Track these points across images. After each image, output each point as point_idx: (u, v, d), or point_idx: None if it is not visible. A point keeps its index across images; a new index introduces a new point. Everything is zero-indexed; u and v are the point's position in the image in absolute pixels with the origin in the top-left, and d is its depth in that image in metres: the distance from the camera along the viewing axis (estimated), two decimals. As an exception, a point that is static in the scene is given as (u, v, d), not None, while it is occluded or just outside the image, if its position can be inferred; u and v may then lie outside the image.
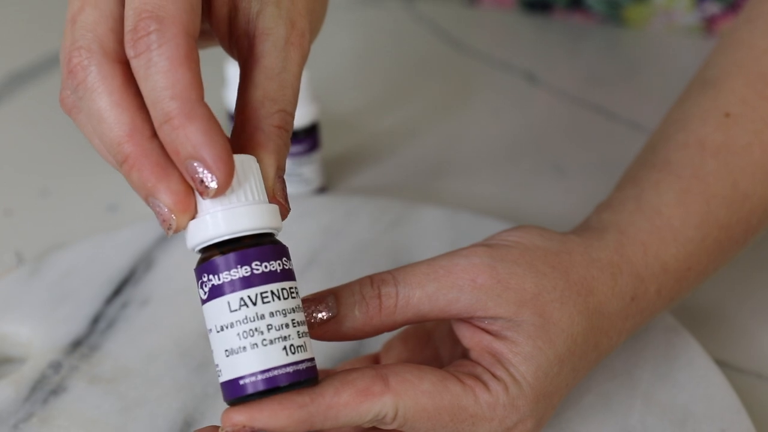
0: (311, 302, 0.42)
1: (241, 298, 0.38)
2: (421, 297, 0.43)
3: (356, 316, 0.42)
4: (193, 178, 0.36)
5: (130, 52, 0.37)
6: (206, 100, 0.37)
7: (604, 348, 0.46)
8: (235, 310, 0.38)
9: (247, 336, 0.37)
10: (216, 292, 0.38)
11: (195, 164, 0.36)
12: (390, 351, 0.49)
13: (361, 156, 0.72)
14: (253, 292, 0.38)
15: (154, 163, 0.37)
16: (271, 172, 0.39)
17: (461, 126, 0.75)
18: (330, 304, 0.42)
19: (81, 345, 0.54)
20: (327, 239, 0.61)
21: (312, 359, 0.39)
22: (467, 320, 0.44)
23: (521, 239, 0.45)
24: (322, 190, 0.68)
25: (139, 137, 0.37)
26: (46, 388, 0.52)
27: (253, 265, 0.38)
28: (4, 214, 0.67)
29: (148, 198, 0.37)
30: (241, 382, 0.38)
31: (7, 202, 0.68)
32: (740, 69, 0.51)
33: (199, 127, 0.36)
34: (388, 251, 0.60)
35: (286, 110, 0.40)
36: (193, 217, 0.38)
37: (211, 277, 0.38)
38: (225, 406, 0.39)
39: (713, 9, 0.81)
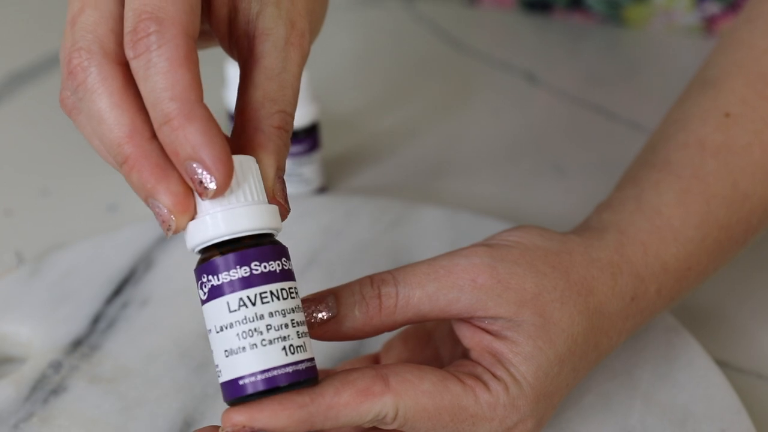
0: (311, 302, 0.42)
1: (241, 299, 0.38)
2: (422, 297, 0.43)
3: (356, 316, 0.42)
4: (192, 179, 0.36)
5: (129, 53, 0.37)
6: (206, 100, 0.37)
7: (604, 348, 0.46)
8: (235, 311, 0.38)
9: (246, 336, 0.37)
10: (215, 293, 0.38)
11: (194, 165, 0.36)
12: (390, 351, 0.49)
13: (361, 156, 0.72)
14: (252, 292, 0.38)
15: (153, 164, 0.37)
16: (271, 172, 0.39)
17: (461, 126, 0.75)
18: (330, 304, 0.42)
19: (81, 345, 0.54)
20: (327, 239, 0.61)
21: (312, 359, 0.39)
22: (467, 320, 0.44)
23: (521, 239, 0.45)
24: (322, 190, 0.68)
25: (139, 138, 0.37)
26: (47, 387, 0.52)
27: (253, 265, 0.38)
28: (4, 214, 0.67)
29: (148, 199, 0.37)
30: (241, 382, 0.38)
31: (7, 202, 0.68)
32: (740, 69, 0.51)
33: (199, 128, 0.36)
34: (388, 251, 0.60)
35: (286, 111, 0.40)
36: (193, 218, 0.38)
37: (210, 277, 0.38)
38: (225, 406, 0.39)
39: (713, 9, 0.81)
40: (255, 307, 0.38)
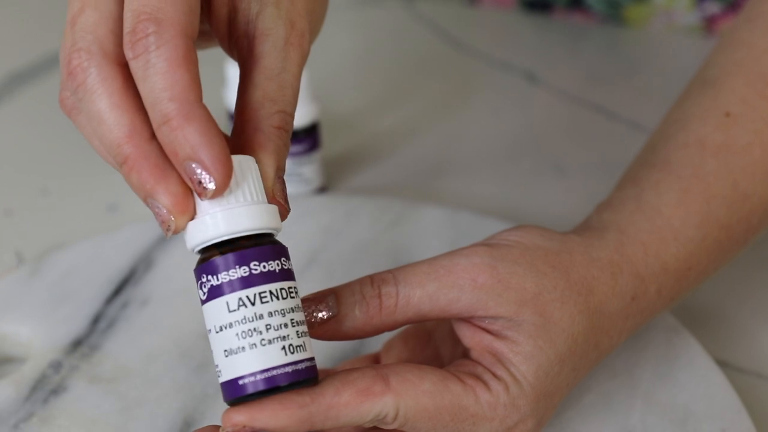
0: (311, 302, 0.42)
1: (240, 299, 0.38)
2: (422, 296, 0.43)
3: (356, 315, 0.42)
4: (191, 179, 0.36)
5: (128, 54, 0.37)
6: (206, 100, 0.37)
7: (604, 347, 0.46)
8: (234, 311, 0.38)
9: (245, 336, 0.37)
10: (215, 293, 0.38)
11: (193, 165, 0.36)
12: (390, 351, 0.49)
13: (361, 156, 0.72)
14: (251, 292, 0.38)
15: (153, 165, 0.37)
16: (271, 172, 0.39)
17: (461, 126, 0.75)
18: (330, 303, 0.42)
19: (81, 345, 0.54)
20: (327, 239, 0.61)
21: (312, 359, 0.39)
22: (468, 320, 0.44)
23: (522, 239, 0.45)
24: (322, 190, 0.68)
25: (139, 139, 0.37)
26: (47, 387, 0.52)
27: (252, 265, 0.38)
28: (4, 214, 0.67)
29: (147, 199, 0.37)
30: (241, 382, 0.38)
31: (7, 202, 0.68)
32: (740, 69, 0.51)
33: (197, 128, 0.36)
34: (388, 251, 0.60)
35: (286, 111, 0.40)
36: (192, 218, 0.38)
37: (210, 277, 0.38)
38: (225, 406, 0.39)
39: (713, 9, 0.81)
40: (254, 307, 0.38)
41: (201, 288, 0.38)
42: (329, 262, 0.59)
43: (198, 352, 0.53)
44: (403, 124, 0.75)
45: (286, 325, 0.38)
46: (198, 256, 0.39)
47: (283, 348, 0.38)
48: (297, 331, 0.38)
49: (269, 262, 0.38)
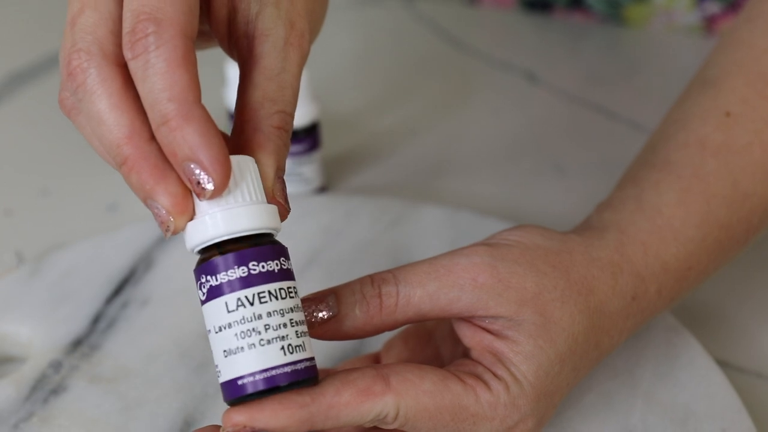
0: (312, 302, 0.42)
1: (239, 299, 0.38)
2: (422, 296, 0.43)
3: (357, 315, 0.42)
4: (189, 180, 0.36)
5: (127, 54, 0.37)
6: (206, 100, 0.37)
7: (604, 347, 0.46)
8: (233, 311, 0.38)
9: (244, 336, 0.37)
10: (214, 293, 0.38)
11: (192, 166, 0.36)
12: (390, 350, 0.49)
13: (361, 156, 0.72)
14: (250, 292, 0.38)
15: (152, 166, 0.37)
16: (271, 172, 0.39)
17: (461, 125, 0.75)
18: (330, 303, 0.42)
19: (81, 345, 0.54)
20: (327, 239, 0.61)
21: (311, 359, 0.39)
22: (468, 319, 0.44)
23: (522, 238, 0.45)
24: (322, 189, 0.68)
25: (138, 139, 0.37)
26: (47, 387, 0.52)
27: (250, 265, 0.38)
28: (4, 214, 0.67)
29: (147, 200, 0.37)
30: (240, 382, 0.38)
31: (7, 202, 0.68)
32: (740, 68, 0.51)
33: (196, 128, 0.36)
34: (388, 251, 0.60)
35: (286, 111, 0.40)
36: (191, 219, 0.38)
37: (209, 278, 0.38)
38: (225, 406, 0.39)
39: (713, 8, 0.81)
40: (253, 307, 0.38)
41: (200, 288, 0.38)
42: (329, 262, 0.59)
43: (198, 352, 0.53)
44: (403, 124, 0.75)
45: (285, 325, 0.38)
46: (198, 257, 0.39)
47: (282, 348, 0.38)
48: (296, 331, 0.38)
49: (268, 262, 0.38)
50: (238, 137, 0.39)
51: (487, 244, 0.45)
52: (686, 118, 0.51)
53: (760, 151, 0.49)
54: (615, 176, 0.53)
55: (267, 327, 0.38)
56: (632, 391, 0.50)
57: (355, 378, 0.40)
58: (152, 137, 0.37)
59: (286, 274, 0.39)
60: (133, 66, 0.37)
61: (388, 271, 0.43)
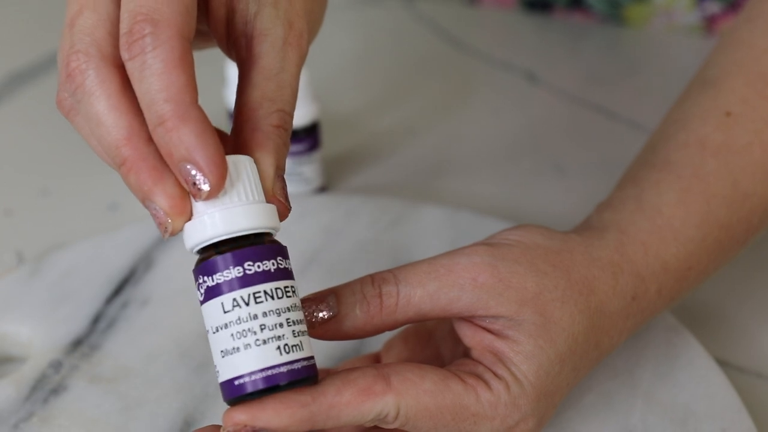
0: (312, 302, 0.42)
1: (234, 299, 0.38)
2: (423, 296, 0.43)
3: (357, 315, 0.42)
4: (186, 180, 0.37)
5: (125, 55, 0.37)
6: (206, 100, 0.37)
7: (605, 347, 0.46)
8: (229, 311, 0.38)
9: (240, 336, 0.37)
10: (211, 294, 0.38)
11: (188, 166, 0.36)
12: (391, 350, 0.49)
13: (361, 156, 0.72)
14: (245, 292, 0.38)
15: (150, 167, 0.37)
16: (271, 171, 0.39)
17: (461, 125, 0.75)
18: (331, 303, 0.42)
19: (81, 344, 0.54)
20: (327, 239, 0.61)
21: (310, 358, 0.39)
22: (468, 319, 0.44)
23: (522, 238, 0.45)
24: (322, 189, 0.68)
25: (137, 140, 0.37)
26: (47, 387, 0.52)
27: (246, 265, 0.38)
28: (4, 214, 0.67)
29: (145, 201, 0.38)
30: (236, 382, 0.38)
31: (7, 202, 0.68)
32: (740, 68, 0.51)
33: (193, 129, 0.36)
34: (388, 251, 0.60)
35: (285, 110, 0.40)
36: (189, 220, 0.38)
37: (206, 278, 0.38)
38: (225, 406, 0.39)
39: (713, 8, 0.81)
40: (249, 307, 0.38)
41: (199, 288, 0.39)
42: (329, 262, 0.59)
43: (198, 352, 0.53)
44: (403, 124, 0.75)
45: (281, 325, 0.38)
46: (197, 257, 0.39)
47: (279, 348, 0.38)
48: (293, 331, 0.38)
49: (264, 262, 0.38)
50: (238, 137, 0.39)
51: (487, 243, 0.45)
52: (686, 118, 0.51)
53: (760, 151, 0.49)
54: (615, 176, 0.53)
55: (263, 327, 0.38)
56: (632, 391, 0.50)
57: (356, 377, 0.40)
58: (150, 138, 0.37)
59: (284, 274, 0.39)
60: (130, 67, 0.37)
61: (389, 271, 0.43)
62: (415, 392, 0.40)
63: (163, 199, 0.37)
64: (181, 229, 0.38)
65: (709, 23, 0.82)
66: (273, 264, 0.38)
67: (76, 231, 0.65)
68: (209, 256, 0.38)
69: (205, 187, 0.36)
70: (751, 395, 0.52)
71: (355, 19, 0.88)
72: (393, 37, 0.86)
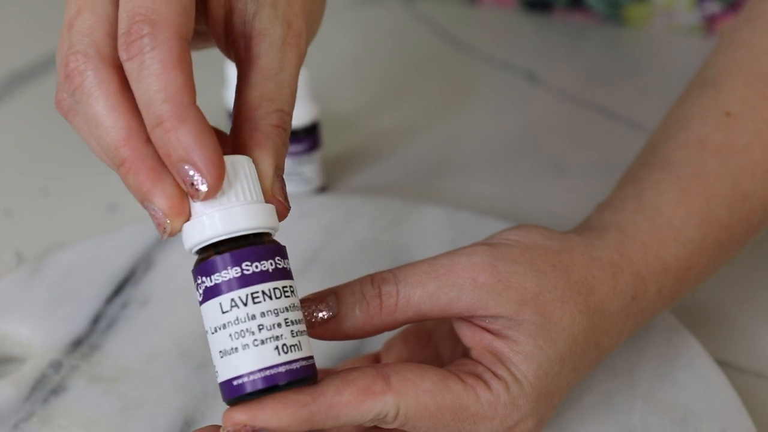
0: (312, 302, 0.42)
1: (232, 299, 0.38)
2: (422, 296, 0.43)
3: (357, 315, 0.42)
4: (184, 181, 0.37)
5: (123, 55, 0.37)
6: (206, 100, 0.37)
7: (604, 347, 0.46)
8: (227, 312, 0.38)
9: (238, 337, 0.38)
10: (209, 294, 0.38)
11: (186, 167, 0.36)
12: (390, 350, 0.49)
13: (361, 156, 0.72)
14: (243, 292, 0.38)
15: (149, 167, 0.37)
16: (270, 171, 0.39)
17: (461, 125, 0.75)
18: (330, 303, 0.42)
19: (81, 345, 0.54)
20: (327, 239, 0.61)
21: (309, 358, 0.39)
22: (468, 319, 0.44)
23: (522, 238, 0.45)
24: (322, 189, 0.68)
25: (135, 141, 0.37)
26: (47, 387, 0.52)
27: (244, 265, 0.38)
28: (4, 214, 0.67)
29: (144, 201, 0.38)
30: (236, 382, 0.38)
31: (7, 202, 0.68)
32: (740, 68, 0.51)
33: (191, 130, 0.36)
34: (388, 251, 0.60)
35: (284, 110, 0.40)
36: (188, 221, 0.38)
37: (204, 278, 0.38)
38: (225, 406, 0.39)
39: (713, 8, 0.81)
40: (247, 308, 0.38)
41: (198, 289, 0.39)
42: (329, 262, 0.59)
43: (198, 352, 0.53)
44: (403, 124, 0.75)
45: (279, 325, 0.38)
46: (196, 257, 0.39)
47: (277, 348, 0.38)
48: (291, 331, 0.38)
49: (262, 262, 0.38)
50: (237, 137, 0.39)
51: (487, 243, 0.45)
52: (686, 118, 0.51)
53: (760, 151, 0.49)
54: (615, 176, 0.53)
55: (261, 327, 0.38)
56: (632, 392, 0.50)
57: (356, 377, 0.40)
58: (149, 139, 0.37)
59: (282, 274, 0.39)
60: (128, 67, 0.37)
61: (388, 271, 0.43)
62: (414, 392, 0.40)
63: (162, 199, 0.37)
64: (180, 230, 0.38)
65: (709, 23, 0.82)
66: (271, 264, 0.38)
67: (76, 231, 0.65)
68: (208, 256, 0.38)
69: (203, 188, 0.36)
70: (751, 395, 0.52)
71: (355, 19, 0.88)
72: (393, 37, 0.86)
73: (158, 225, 0.38)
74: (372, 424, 0.41)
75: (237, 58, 0.41)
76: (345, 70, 0.81)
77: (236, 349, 0.38)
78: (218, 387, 0.39)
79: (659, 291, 0.47)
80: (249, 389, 0.37)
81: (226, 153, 0.38)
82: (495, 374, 0.42)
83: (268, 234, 0.39)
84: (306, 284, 0.46)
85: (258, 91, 0.39)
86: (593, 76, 0.80)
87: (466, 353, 0.45)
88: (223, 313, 0.38)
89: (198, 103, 0.37)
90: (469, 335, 0.44)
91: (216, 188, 0.37)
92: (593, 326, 0.45)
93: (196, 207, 0.38)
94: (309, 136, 0.65)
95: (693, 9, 0.81)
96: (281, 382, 0.38)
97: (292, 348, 0.38)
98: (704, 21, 0.82)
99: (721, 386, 0.50)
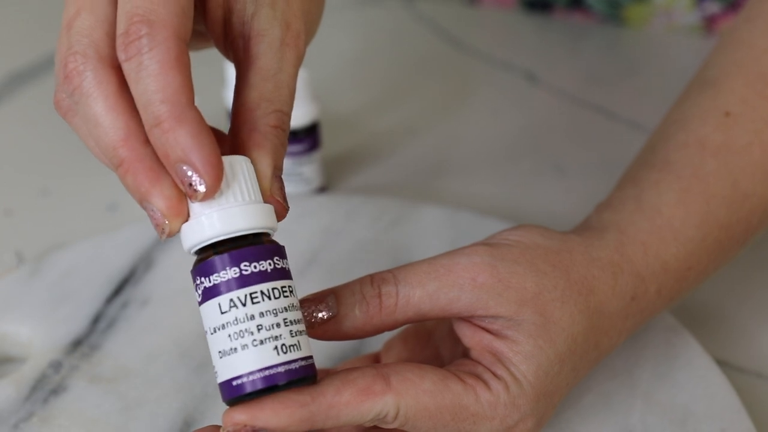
0: (311, 302, 0.42)
1: (231, 300, 0.38)
2: (422, 296, 0.43)
3: (356, 315, 0.42)
4: (182, 182, 0.37)
5: (121, 56, 0.37)
6: (206, 100, 0.37)
7: (604, 347, 0.46)
8: (226, 312, 0.38)
9: (237, 337, 0.38)
10: (209, 294, 0.38)
11: (184, 168, 0.36)
12: (390, 350, 0.49)
13: (361, 156, 0.72)
14: (242, 293, 0.38)
15: (147, 168, 0.37)
16: (268, 171, 0.39)
17: (461, 125, 0.75)
18: (330, 303, 0.42)
19: (81, 345, 0.54)
20: (327, 239, 0.61)
21: (308, 357, 0.39)
22: (468, 319, 0.44)
23: (522, 238, 0.45)
24: (322, 189, 0.68)
25: (134, 142, 0.37)
26: (47, 387, 0.52)
27: (242, 265, 0.38)
28: (4, 214, 0.67)
29: (143, 202, 0.38)
30: (235, 383, 0.38)
31: (7, 202, 0.68)
32: (740, 69, 0.51)
33: (189, 130, 0.36)
34: (388, 251, 0.60)
35: (282, 110, 0.40)
36: (186, 221, 0.38)
37: (203, 279, 0.38)
38: (225, 406, 0.39)
39: (713, 8, 0.81)
40: (245, 308, 0.38)
41: (197, 289, 0.39)
42: (329, 262, 0.59)
43: (198, 352, 0.53)
44: (403, 124, 0.75)
45: (278, 325, 0.38)
46: (195, 258, 0.39)
47: (276, 348, 0.38)
48: (291, 331, 0.38)
49: (260, 262, 0.38)
50: (235, 137, 0.39)
51: (487, 243, 0.45)
52: (686, 118, 0.51)
53: (760, 152, 0.49)
54: (615, 176, 0.53)
55: (260, 327, 0.38)
56: (631, 392, 0.50)
57: (356, 377, 0.40)
58: (148, 139, 0.37)
59: (281, 274, 0.39)
60: (126, 68, 0.37)
61: (388, 271, 0.43)
62: (414, 392, 0.40)
63: (160, 200, 0.37)
64: (179, 231, 0.38)
65: (709, 23, 0.82)
66: (270, 264, 0.38)
67: (76, 231, 0.65)
68: (207, 256, 0.38)
69: (201, 188, 0.36)
70: (751, 395, 0.52)
71: (354, 19, 0.88)
72: (393, 37, 0.86)
73: (157, 226, 0.38)
74: (372, 424, 0.41)
75: (235, 58, 0.41)
76: (345, 70, 0.81)
77: (235, 349, 0.38)
78: (218, 387, 0.39)
79: (659, 291, 0.47)
80: (248, 389, 0.37)
81: (224, 153, 0.38)
82: (495, 374, 0.42)
83: (266, 234, 0.39)
84: (306, 284, 0.46)
85: (257, 92, 0.39)
86: (593, 76, 0.80)
87: (465, 353, 0.45)
88: (222, 313, 0.38)
89: (197, 103, 0.37)
90: (468, 335, 0.44)
91: (214, 189, 0.37)
92: (593, 326, 0.45)
93: (195, 207, 0.38)
94: (309, 137, 0.65)
95: (693, 9, 0.81)
96: (281, 382, 0.38)
97: (292, 348, 0.38)
98: (704, 21, 0.82)
99: (721, 386, 0.50)
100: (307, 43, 0.43)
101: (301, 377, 0.38)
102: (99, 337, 0.55)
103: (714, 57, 0.53)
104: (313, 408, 0.39)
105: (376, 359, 0.49)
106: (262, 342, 0.38)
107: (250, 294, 0.38)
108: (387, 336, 0.49)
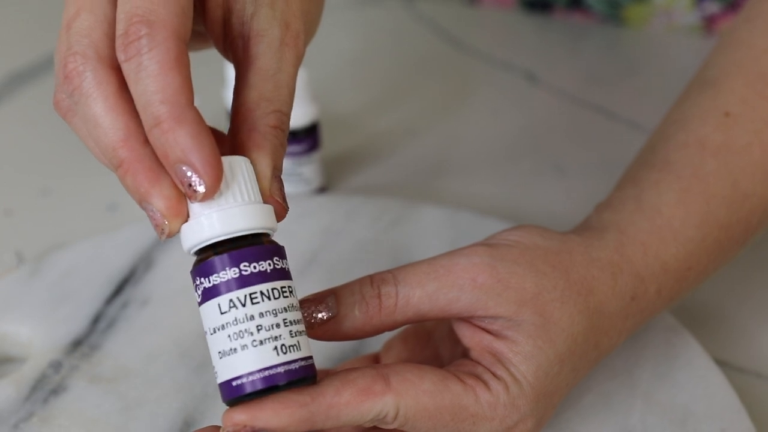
0: (311, 302, 0.42)
1: (231, 300, 0.38)
2: (422, 296, 0.43)
3: (356, 315, 0.42)
4: (181, 182, 0.37)
5: (121, 57, 0.37)
6: (206, 100, 0.37)
7: (604, 347, 0.46)
8: (225, 312, 0.38)
9: (237, 338, 0.38)
10: (208, 295, 0.38)
11: (183, 168, 0.36)
12: (390, 351, 0.49)
13: (361, 156, 0.72)
14: (242, 293, 0.38)
15: (147, 169, 0.37)
16: (268, 171, 0.39)
17: (461, 125, 0.75)
18: (330, 304, 0.42)
19: (81, 345, 0.54)
20: (327, 239, 0.61)
21: (308, 358, 0.39)
22: (467, 320, 0.44)
23: (521, 238, 0.45)
24: (322, 190, 0.68)
25: (134, 142, 0.37)
26: (47, 387, 0.52)
27: (242, 266, 0.38)
28: (4, 214, 0.67)
29: (142, 202, 0.38)
30: (235, 383, 0.38)
31: (7, 202, 0.68)
32: (740, 69, 0.51)
33: (188, 131, 0.36)
34: (388, 251, 0.60)
35: (282, 110, 0.40)
36: (186, 222, 0.38)
37: (203, 279, 0.38)
38: (225, 406, 0.39)
39: (713, 8, 0.81)
40: (245, 308, 0.38)
41: (196, 290, 0.39)
42: (329, 262, 0.59)
43: (198, 352, 0.53)
44: (403, 124, 0.75)
45: (278, 325, 0.38)
46: (194, 258, 0.39)
47: (275, 348, 0.38)
48: (290, 331, 0.38)
49: (260, 263, 0.38)
50: (235, 137, 0.39)
51: (486, 244, 0.45)
52: (686, 118, 0.51)
53: (760, 152, 0.49)
54: (615, 176, 0.53)
55: (259, 328, 0.38)
56: (631, 392, 0.50)
57: (355, 378, 0.40)
58: (147, 140, 0.37)
59: (281, 274, 0.39)
60: (126, 68, 0.37)
61: (388, 272, 0.43)
62: (414, 392, 0.40)
63: (160, 200, 0.37)
64: (178, 231, 0.38)
65: (709, 23, 0.82)
66: (269, 264, 0.38)
67: (76, 231, 0.65)
68: (206, 257, 0.38)
69: (201, 189, 0.36)
70: (751, 395, 0.52)
71: (354, 19, 0.88)
72: (393, 37, 0.86)
73: (156, 226, 0.38)
74: (372, 425, 0.41)
75: (235, 58, 0.41)
76: (345, 70, 0.81)
77: (235, 349, 0.38)
78: (218, 387, 0.39)
79: (659, 291, 0.47)
80: (248, 390, 0.37)
81: (224, 154, 0.38)
82: (494, 375, 0.42)
83: (266, 234, 0.39)
84: (306, 284, 0.46)
85: (256, 92, 0.39)
86: (593, 76, 0.80)
87: (465, 354, 0.45)
88: (222, 313, 0.38)
89: (197, 103, 0.37)
90: (468, 336, 0.44)
91: (214, 189, 0.37)
92: (592, 327, 0.45)
93: (194, 208, 0.38)
94: (309, 137, 0.65)
95: (692, 9, 0.81)
96: (280, 383, 0.38)
97: (291, 348, 0.38)
98: (704, 21, 0.82)
99: (721, 386, 0.50)
100: (306, 43, 0.43)
101: (300, 377, 0.38)
102: (99, 337, 0.55)
103: (714, 57, 0.53)
104: (313, 408, 0.39)
105: (375, 360, 0.49)
106: (261, 342, 0.38)
107: (250, 294, 0.38)
108: (387, 336, 0.49)
